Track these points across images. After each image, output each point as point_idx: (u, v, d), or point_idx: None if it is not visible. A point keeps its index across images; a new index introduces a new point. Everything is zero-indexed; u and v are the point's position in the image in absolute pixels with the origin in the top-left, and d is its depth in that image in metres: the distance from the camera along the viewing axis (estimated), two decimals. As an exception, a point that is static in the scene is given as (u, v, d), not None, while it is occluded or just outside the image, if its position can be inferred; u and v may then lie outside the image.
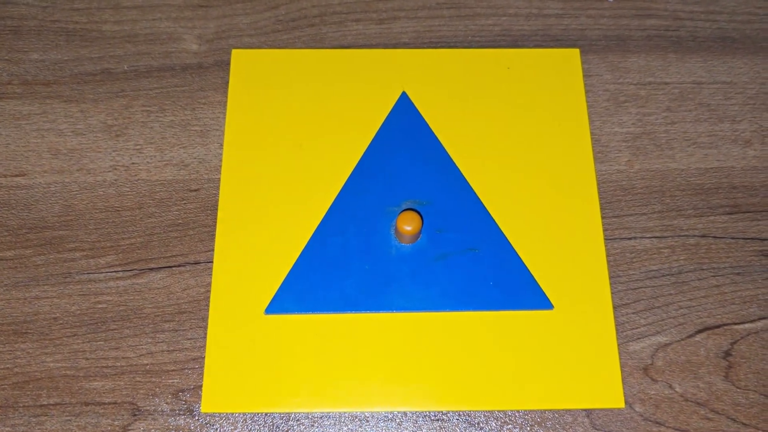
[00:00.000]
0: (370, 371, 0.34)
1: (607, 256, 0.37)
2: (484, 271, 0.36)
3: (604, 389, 0.34)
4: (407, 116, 0.39)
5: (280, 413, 0.34)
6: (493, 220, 0.37)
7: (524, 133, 0.39)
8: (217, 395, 0.34)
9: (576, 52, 0.41)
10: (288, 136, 0.38)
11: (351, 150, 0.39)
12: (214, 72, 0.40)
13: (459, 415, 0.34)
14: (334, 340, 0.35)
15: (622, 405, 0.34)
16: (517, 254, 0.37)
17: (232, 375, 0.34)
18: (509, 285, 0.36)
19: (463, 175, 0.38)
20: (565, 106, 0.40)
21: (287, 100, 0.39)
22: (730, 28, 0.43)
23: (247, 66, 0.40)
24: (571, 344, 0.35)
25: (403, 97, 0.40)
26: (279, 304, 0.35)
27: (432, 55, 0.41)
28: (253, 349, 0.34)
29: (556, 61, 0.41)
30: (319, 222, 0.37)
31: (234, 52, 0.40)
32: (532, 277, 0.36)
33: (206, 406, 0.33)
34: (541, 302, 0.36)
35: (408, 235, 0.35)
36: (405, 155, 0.38)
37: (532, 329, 0.35)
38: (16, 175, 0.38)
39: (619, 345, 0.36)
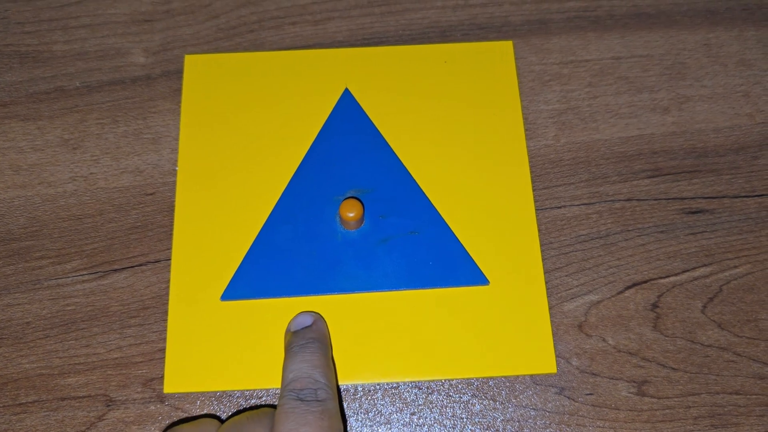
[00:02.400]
0: None
1: (539, 225, 0.40)
2: (424, 252, 0.39)
3: (538, 356, 0.37)
4: (350, 111, 0.42)
5: (239, 391, 0.37)
6: (432, 205, 0.40)
7: (460, 122, 0.42)
8: (178, 377, 0.36)
9: (509, 44, 0.44)
10: (238, 134, 0.41)
11: (298, 144, 0.41)
12: (162, 82, 0.43)
13: (410, 384, 0.37)
14: (287, 321, 0.37)
15: (554, 370, 0.37)
16: (454, 235, 0.39)
17: (192, 358, 0.37)
18: (448, 264, 0.39)
19: (403, 164, 0.41)
20: (498, 96, 0.42)
21: (237, 101, 0.42)
22: (645, 5, 0.46)
23: (199, 70, 0.42)
24: (506, 316, 0.38)
25: (346, 93, 0.42)
26: (234, 291, 0.38)
27: (373, 52, 0.43)
28: (210, 334, 0.37)
29: (491, 53, 0.44)
30: (268, 213, 0.39)
31: (187, 57, 0.43)
32: (469, 255, 0.39)
33: (168, 386, 0.36)
34: (478, 278, 0.38)
35: (351, 221, 0.38)
36: (349, 148, 0.41)
37: (470, 304, 0.38)
38: (-18, 193, 0.41)
39: (554, 305, 0.38)
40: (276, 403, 0.36)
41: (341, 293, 0.38)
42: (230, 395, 0.37)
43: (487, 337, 0.37)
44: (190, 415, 0.36)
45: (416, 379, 0.37)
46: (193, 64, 0.43)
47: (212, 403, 0.36)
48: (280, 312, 0.38)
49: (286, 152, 0.41)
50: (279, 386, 0.35)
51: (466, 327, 0.37)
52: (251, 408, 0.36)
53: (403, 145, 0.41)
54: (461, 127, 0.42)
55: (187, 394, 0.37)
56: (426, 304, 0.38)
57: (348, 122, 0.41)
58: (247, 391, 0.37)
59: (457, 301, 0.38)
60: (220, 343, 0.37)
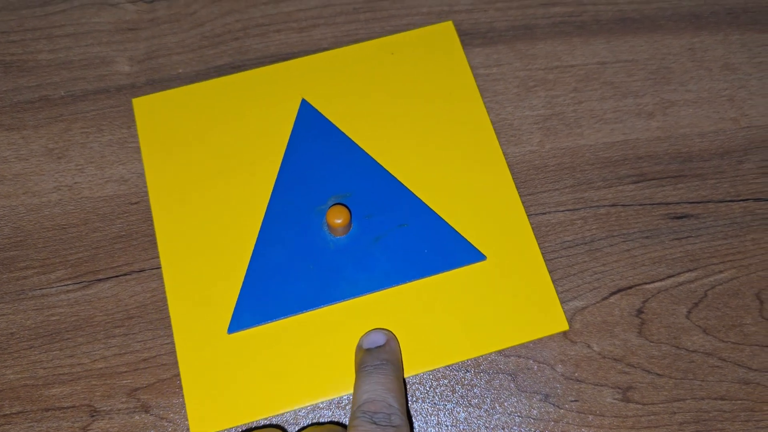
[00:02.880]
0: (338, 358, 0.37)
1: (524, 231, 0.40)
2: (417, 241, 0.39)
3: (548, 317, 0.37)
4: (312, 120, 0.42)
5: (264, 419, 0.36)
6: (414, 195, 0.40)
7: (421, 110, 0.42)
8: (202, 417, 0.36)
9: (449, 24, 0.44)
10: (206, 166, 0.41)
11: (268, 163, 0.41)
12: (147, 90, 0.43)
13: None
14: (297, 340, 0.37)
15: (566, 328, 0.37)
16: (442, 219, 0.39)
17: (211, 396, 0.36)
18: (443, 248, 0.39)
19: (377, 161, 0.41)
20: (451, 76, 0.43)
21: (197, 133, 0.41)
22: (630, 9, 0.46)
23: (150, 110, 0.42)
24: (510, 286, 0.38)
25: (304, 103, 0.42)
26: (239, 322, 0.37)
27: (322, 58, 0.43)
28: (224, 368, 0.37)
29: (434, 36, 0.44)
30: (255, 237, 0.39)
31: (134, 101, 0.42)
32: (461, 235, 0.39)
33: (195, 428, 0.36)
34: (474, 255, 0.39)
35: (339, 227, 0.38)
36: (319, 156, 0.41)
37: (472, 282, 0.38)
38: (-34, 203, 0.41)
39: (539, 312, 0.38)
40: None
41: (345, 300, 0.38)
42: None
43: (496, 309, 0.38)
44: (174, 425, 0.36)
45: (436, 366, 0.37)
46: (143, 106, 0.42)
47: (197, 413, 0.36)
48: (290, 331, 0.37)
49: (259, 173, 0.40)
50: (300, 405, 0.35)
51: (474, 305, 0.38)
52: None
53: (372, 142, 0.41)
54: (423, 114, 0.42)
55: (171, 404, 0.37)
56: (430, 292, 0.38)
57: (312, 131, 0.41)
58: (267, 418, 0.36)
59: (459, 283, 0.38)
60: (236, 376, 0.36)
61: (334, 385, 0.36)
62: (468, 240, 0.39)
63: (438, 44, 0.43)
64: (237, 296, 0.38)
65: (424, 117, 0.42)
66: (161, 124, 0.41)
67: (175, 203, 0.40)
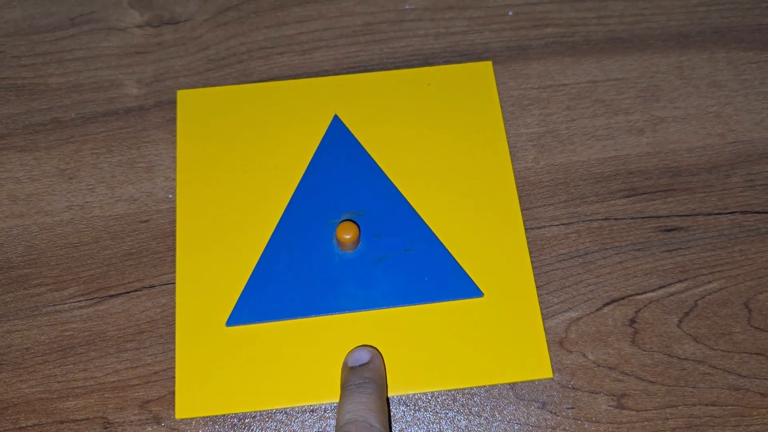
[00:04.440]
0: (324, 368, 0.38)
1: (520, 244, 0.41)
2: (419, 268, 0.40)
3: (534, 362, 0.39)
4: (340, 136, 0.44)
5: (234, 415, 0.38)
6: (425, 223, 0.41)
7: (447, 142, 0.43)
8: (188, 402, 0.37)
9: (489, 64, 0.46)
10: (234, 164, 0.43)
11: (292, 171, 0.43)
12: (155, 112, 0.44)
13: (402, 398, 0.38)
14: (290, 343, 0.39)
15: (550, 375, 0.38)
16: (447, 251, 0.41)
17: (201, 383, 0.38)
18: (443, 278, 0.40)
19: (394, 185, 0.42)
20: (482, 114, 0.44)
21: (230, 131, 0.43)
22: (620, 30, 0.47)
23: (192, 104, 0.44)
24: (502, 326, 0.39)
25: (335, 119, 0.44)
26: (238, 317, 0.39)
27: (359, 79, 0.45)
28: (218, 358, 0.38)
29: (471, 73, 0.45)
30: (267, 239, 0.41)
31: (179, 92, 0.44)
32: (462, 269, 0.40)
33: (180, 412, 0.37)
34: (472, 291, 0.40)
35: (347, 243, 0.39)
36: (341, 172, 0.43)
37: (466, 316, 0.40)
38: (-19, 223, 0.42)
39: (536, 323, 0.40)
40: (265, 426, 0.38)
41: (341, 312, 0.39)
42: (224, 419, 0.38)
43: (485, 346, 0.39)
44: (185, 436, 0.38)
45: (416, 391, 0.38)
46: (186, 99, 0.44)
47: (207, 425, 0.38)
48: (283, 334, 0.39)
49: (281, 179, 0.42)
50: (282, 406, 0.37)
51: (463, 338, 0.39)
52: None
53: (394, 166, 0.43)
54: (448, 147, 0.43)
55: (183, 418, 0.38)
56: (424, 318, 0.39)
57: (339, 147, 0.43)
58: (248, 413, 0.38)
59: (453, 314, 0.39)
60: (227, 367, 0.38)
61: (316, 393, 0.38)
62: (469, 275, 0.40)
63: (474, 82, 0.45)
64: (241, 291, 0.39)
65: (449, 150, 0.43)
66: (199, 118, 0.44)
67: (200, 194, 0.42)
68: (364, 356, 0.37)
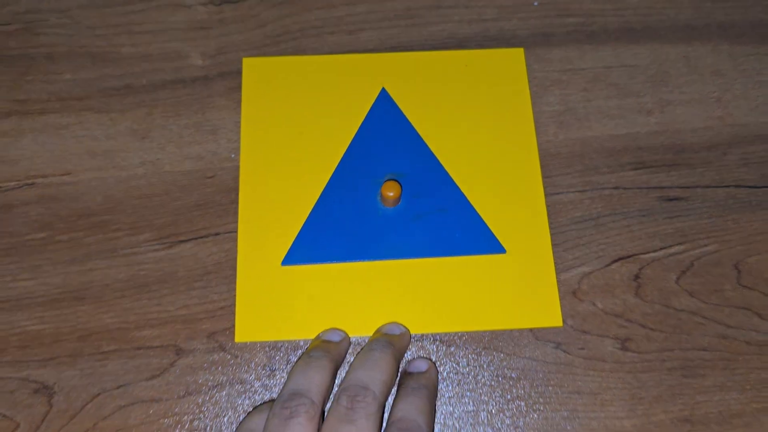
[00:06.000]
0: (366, 305, 0.44)
1: (541, 208, 0.47)
2: (451, 226, 0.46)
3: (546, 312, 0.44)
4: (386, 107, 0.49)
5: (288, 342, 0.44)
6: (457, 186, 0.47)
7: (480, 117, 0.49)
8: (247, 329, 0.43)
9: (520, 51, 0.51)
10: (291, 127, 0.48)
11: (343, 135, 0.48)
12: (219, 82, 0.50)
13: (434, 336, 0.44)
14: (337, 283, 0.44)
15: (560, 324, 0.44)
16: (476, 212, 0.46)
17: (257, 313, 0.43)
18: (471, 236, 0.46)
19: (432, 152, 0.48)
20: (512, 94, 0.49)
21: (289, 98, 0.49)
22: (634, 21, 0.53)
23: (255, 71, 0.49)
24: (520, 279, 0.45)
25: (383, 92, 0.49)
26: (292, 257, 0.45)
27: (404, 57, 0.50)
28: (273, 293, 0.44)
29: (505, 58, 0.51)
30: (320, 193, 0.46)
31: (244, 60, 0.49)
32: (489, 228, 0.46)
33: (239, 336, 0.43)
34: (496, 248, 0.46)
35: (390, 199, 0.45)
36: (386, 138, 0.48)
37: (489, 269, 0.45)
38: (63, 174, 0.47)
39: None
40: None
41: (382, 260, 0.45)
42: (279, 346, 0.44)
43: (504, 296, 0.44)
44: (247, 362, 0.43)
45: (443, 331, 0.44)
46: (250, 66, 0.50)
47: (266, 351, 0.43)
48: (330, 275, 0.45)
49: (333, 141, 0.48)
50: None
51: (486, 288, 0.45)
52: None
53: (432, 136, 0.48)
54: (481, 121, 0.49)
55: (245, 345, 0.43)
56: (454, 269, 0.45)
57: (385, 116, 0.49)
58: (301, 341, 0.44)
59: (479, 267, 0.45)
60: (281, 300, 0.44)
61: (355, 326, 0.44)
62: (494, 233, 0.46)
63: (507, 65, 0.50)
64: (295, 236, 0.45)
65: (481, 124, 0.49)
66: (261, 84, 0.49)
67: (260, 153, 0.47)
68: (422, 365, 0.42)
